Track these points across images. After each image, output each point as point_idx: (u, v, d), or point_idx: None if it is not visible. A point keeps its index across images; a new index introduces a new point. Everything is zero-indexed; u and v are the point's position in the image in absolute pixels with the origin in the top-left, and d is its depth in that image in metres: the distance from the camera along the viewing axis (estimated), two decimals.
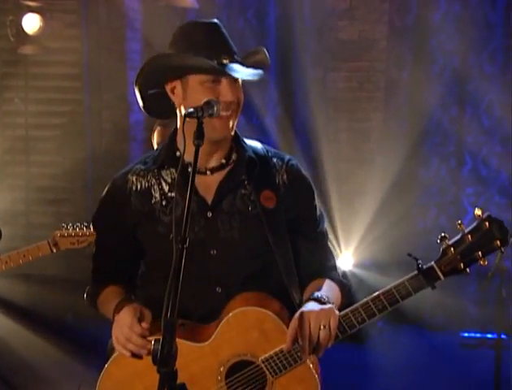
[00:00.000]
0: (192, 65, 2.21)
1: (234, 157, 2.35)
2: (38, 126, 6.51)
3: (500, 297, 4.66)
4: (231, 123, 2.26)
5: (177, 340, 2.14)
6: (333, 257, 2.46)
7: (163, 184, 2.34)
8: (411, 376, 5.02)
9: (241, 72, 2.22)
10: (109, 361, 2.28)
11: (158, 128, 4.21)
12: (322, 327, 2.12)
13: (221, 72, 2.20)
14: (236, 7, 6.58)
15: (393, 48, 6.59)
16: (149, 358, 2.06)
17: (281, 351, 2.16)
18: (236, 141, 2.37)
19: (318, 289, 2.30)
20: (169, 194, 2.32)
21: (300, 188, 2.39)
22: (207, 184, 2.31)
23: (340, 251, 6.20)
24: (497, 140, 6.56)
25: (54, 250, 3.88)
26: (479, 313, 6.48)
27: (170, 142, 2.37)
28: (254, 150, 2.38)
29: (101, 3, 6.51)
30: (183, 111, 2.24)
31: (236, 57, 2.25)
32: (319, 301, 2.23)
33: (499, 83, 6.47)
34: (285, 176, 2.36)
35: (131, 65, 6.59)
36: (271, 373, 2.17)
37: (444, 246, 2.17)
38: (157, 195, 2.34)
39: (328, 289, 2.32)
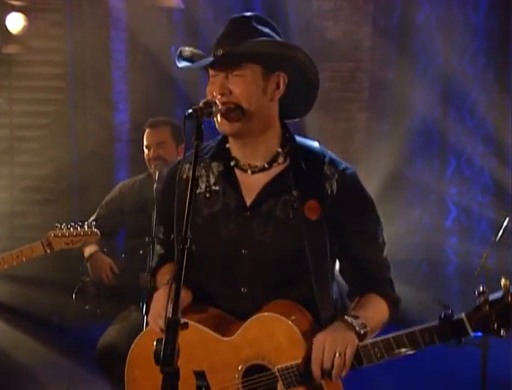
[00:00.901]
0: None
1: (280, 160, 2.29)
2: (23, 126, 6.45)
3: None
4: (230, 118, 2.23)
5: (204, 328, 2.19)
6: (387, 271, 2.36)
7: (211, 175, 2.32)
8: (397, 375, 5.03)
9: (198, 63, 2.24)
10: (142, 333, 2.34)
11: (147, 130, 4.18)
12: (337, 354, 2.06)
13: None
14: (220, 7, 6.59)
15: (378, 48, 6.63)
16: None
17: (297, 365, 2.13)
18: (287, 144, 2.32)
19: (359, 308, 2.24)
20: (213, 187, 2.31)
21: (350, 200, 2.29)
22: (250, 184, 2.29)
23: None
24: (480, 140, 6.63)
25: (48, 251, 3.84)
26: (463, 312, 6.52)
27: (197, 130, 2.29)
28: (309, 154, 2.32)
29: (86, 3, 6.47)
30: None
31: (231, 51, 2.21)
32: (347, 322, 2.16)
33: (481, 83, 6.55)
34: (335, 186, 2.28)
35: (115, 65, 6.59)
36: (284, 384, 2.15)
37: (481, 300, 1.98)
38: (203, 186, 2.32)
39: (371, 309, 2.26)
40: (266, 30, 2.27)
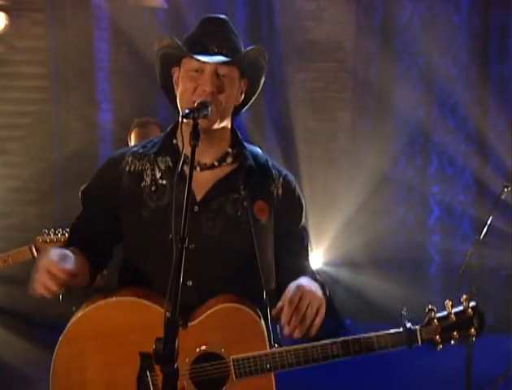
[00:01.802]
0: (165, 44, 2.28)
1: (229, 160, 2.36)
2: (5, 126, 6.40)
3: (470, 293, 4.73)
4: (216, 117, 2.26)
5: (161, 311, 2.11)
6: (313, 272, 2.44)
7: (156, 170, 2.35)
8: (381, 373, 5.07)
9: (209, 58, 2.23)
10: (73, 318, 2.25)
11: (136, 129, 4.19)
12: (310, 306, 2.12)
13: (182, 51, 2.26)
14: (204, 8, 6.58)
15: (361, 48, 6.67)
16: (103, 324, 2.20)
17: (254, 357, 2.17)
18: (236, 145, 2.38)
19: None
20: (160, 181, 2.33)
21: (291, 205, 2.40)
22: (198, 180, 2.30)
23: (311, 250, 6.25)
24: (462, 140, 6.69)
25: (36, 255, 3.89)
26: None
27: (170, 130, 2.39)
28: (255, 157, 2.39)
29: (68, 2, 6.45)
30: (178, 102, 2.30)
31: (223, 50, 2.25)
32: (318, 281, 2.26)
33: (463, 83, 6.61)
34: (280, 190, 2.38)
35: (98, 65, 6.56)
36: (235, 373, 2.17)
37: (430, 316, 2.27)
38: (148, 179, 2.34)
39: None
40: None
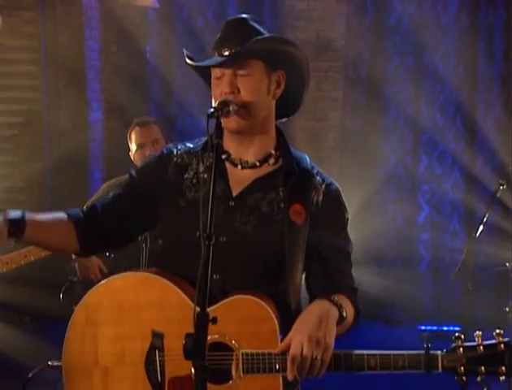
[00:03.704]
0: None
1: (271, 162, 2.35)
2: None
3: (466, 291, 4.78)
4: (234, 117, 2.25)
5: (183, 296, 2.20)
6: (354, 283, 2.40)
7: (200, 164, 2.36)
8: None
9: (209, 61, 2.25)
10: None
11: (136, 129, 4.15)
12: (314, 356, 2.07)
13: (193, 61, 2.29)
14: (195, 7, 6.61)
15: (351, 48, 6.72)
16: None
17: (263, 354, 2.14)
18: (280, 148, 2.37)
19: (336, 295, 2.25)
20: (201, 175, 2.35)
21: (331, 214, 2.35)
22: (238, 178, 2.33)
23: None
24: (451, 138, 6.77)
25: None
26: (435, 307, 6.67)
27: (217, 128, 2.35)
28: (299, 162, 2.38)
29: (59, 1, 6.42)
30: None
31: (233, 50, 2.22)
32: (332, 302, 2.19)
33: (452, 82, 6.69)
34: (321, 197, 2.34)
35: (89, 64, 6.55)
36: (243, 368, 2.16)
37: (456, 344, 2.14)
38: (191, 172, 2.36)
39: (345, 302, 2.26)
40: (262, 29, 2.31)
